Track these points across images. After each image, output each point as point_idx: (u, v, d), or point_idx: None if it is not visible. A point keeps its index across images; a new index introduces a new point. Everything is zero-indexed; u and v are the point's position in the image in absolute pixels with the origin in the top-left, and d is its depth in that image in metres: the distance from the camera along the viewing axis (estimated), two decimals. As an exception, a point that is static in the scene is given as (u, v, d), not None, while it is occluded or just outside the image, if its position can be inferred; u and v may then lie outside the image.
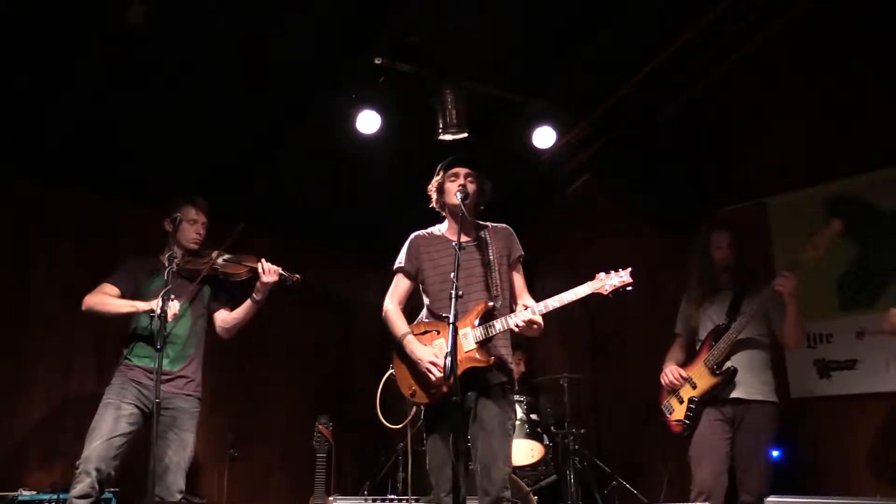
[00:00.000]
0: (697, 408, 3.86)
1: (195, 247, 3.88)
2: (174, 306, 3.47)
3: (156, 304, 3.41)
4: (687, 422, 3.87)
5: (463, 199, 3.27)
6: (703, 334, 4.01)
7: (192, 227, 3.87)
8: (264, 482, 5.76)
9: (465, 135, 4.78)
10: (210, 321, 3.96)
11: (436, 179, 3.47)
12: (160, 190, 4.17)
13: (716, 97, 5.45)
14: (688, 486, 3.89)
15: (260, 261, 3.78)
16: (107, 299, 3.71)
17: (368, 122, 4.76)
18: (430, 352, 3.22)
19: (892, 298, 4.05)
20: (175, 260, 3.67)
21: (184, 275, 3.81)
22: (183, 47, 4.33)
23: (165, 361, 3.65)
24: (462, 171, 3.39)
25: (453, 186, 3.36)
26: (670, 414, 3.98)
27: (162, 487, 3.54)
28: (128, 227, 5.14)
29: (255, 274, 3.78)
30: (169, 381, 3.68)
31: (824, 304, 4.82)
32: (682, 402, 3.93)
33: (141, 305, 3.64)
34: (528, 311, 3.17)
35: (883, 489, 4.45)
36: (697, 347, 4.02)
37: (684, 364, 4.05)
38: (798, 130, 5.06)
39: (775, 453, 4.56)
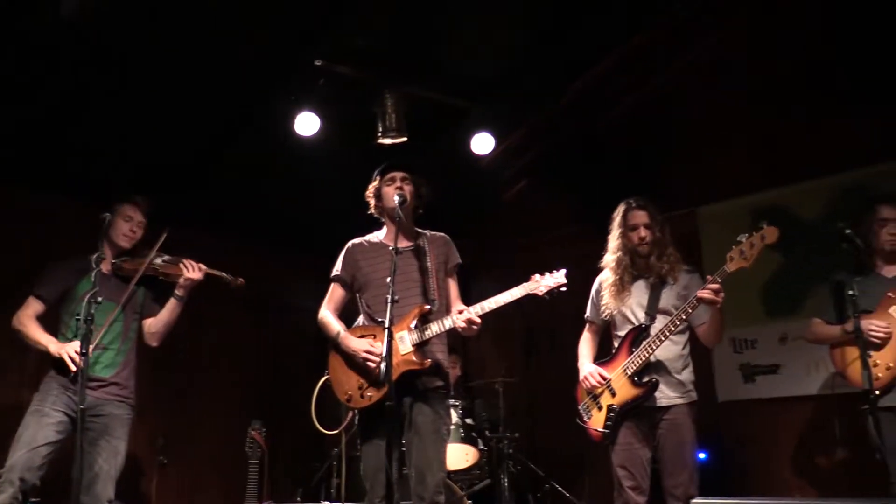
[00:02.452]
0: (617, 417, 3.61)
1: (126, 245, 3.77)
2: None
3: (65, 350, 3.43)
4: (607, 431, 3.63)
5: (401, 203, 3.29)
6: (621, 330, 3.74)
7: (125, 224, 3.76)
8: (195, 489, 5.63)
9: (405, 139, 4.79)
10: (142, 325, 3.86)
11: (373, 185, 3.48)
12: (99, 189, 4.04)
13: (653, 107, 5.58)
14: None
15: (186, 260, 3.75)
16: (28, 326, 3.63)
17: (307, 124, 4.72)
18: (366, 342, 3.24)
19: (815, 306, 4.19)
20: (104, 259, 3.56)
21: (119, 274, 3.71)
22: (121, 44, 4.21)
23: (98, 367, 3.58)
24: (398, 174, 3.41)
25: (391, 190, 3.37)
26: (589, 419, 3.72)
27: (91, 496, 3.43)
28: (66, 226, 4.96)
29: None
30: (101, 387, 3.58)
31: (750, 311, 4.99)
32: (601, 408, 3.67)
33: (53, 349, 3.53)
34: (466, 312, 3.20)
35: (803, 489, 4.63)
36: (616, 344, 3.75)
37: (600, 358, 3.81)
38: (729, 142, 5.22)
39: (702, 455, 4.69)
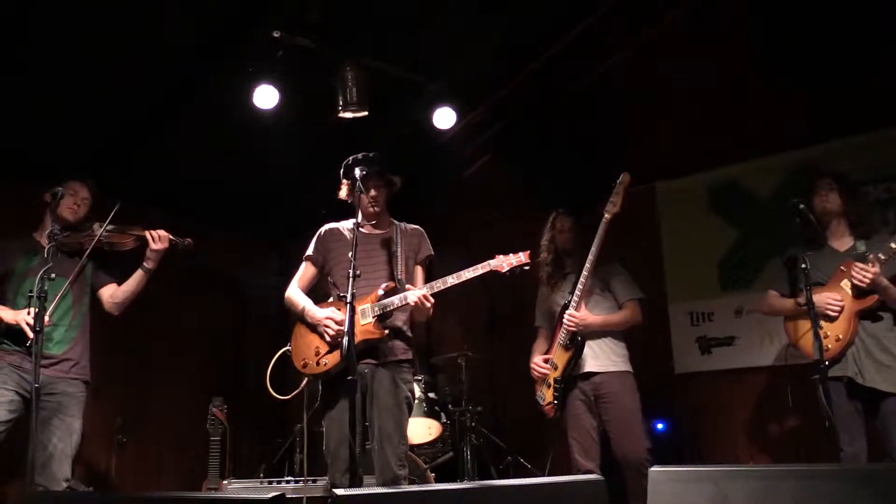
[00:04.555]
0: (562, 387, 4.00)
1: (71, 219, 3.71)
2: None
3: (21, 318, 3.36)
4: (555, 402, 4.01)
5: (375, 210, 3.43)
6: (557, 318, 4.14)
7: (70, 199, 3.70)
8: (156, 467, 5.58)
9: (366, 113, 4.73)
10: (95, 300, 3.79)
11: (346, 183, 3.48)
12: (41, 163, 3.93)
13: (612, 84, 5.59)
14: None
15: (147, 230, 3.70)
16: None
17: (266, 96, 4.63)
18: (329, 310, 3.30)
19: (769, 278, 4.30)
20: (56, 237, 3.47)
21: (64, 250, 3.63)
22: (61, 9, 4.08)
23: (49, 344, 3.52)
24: (373, 184, 3.42)
25: (365, 199, 3.40)
26: (543, 402, 4.11)
27: (46, 476, 3.39)
28: (4, 202, 4.81)
29: (143, 242, 3.71)
30: (53, 364, 3.53)
31: (706, 285, 5.08)
32: (549, 386, 4.07)
33: (9, 316, 3.47)
34: (424, 287, 3.26)
35: (756, 456, 4.77)
36: (553, 330, 4.17)
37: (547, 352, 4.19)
38: (686, 118, 5.27)
39: (660, 426, 4.81)
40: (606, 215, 3.97)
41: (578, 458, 3.93)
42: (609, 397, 3.94)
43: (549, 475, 4.46)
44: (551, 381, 4.05)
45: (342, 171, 3.49)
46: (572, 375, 3.99)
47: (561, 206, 4.33)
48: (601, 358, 3.99)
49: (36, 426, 3.08)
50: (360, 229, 3.28)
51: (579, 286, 3.96)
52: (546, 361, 4.11)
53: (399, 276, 3.37)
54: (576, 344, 3.96)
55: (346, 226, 3.55)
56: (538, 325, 4.35)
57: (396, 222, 3.58)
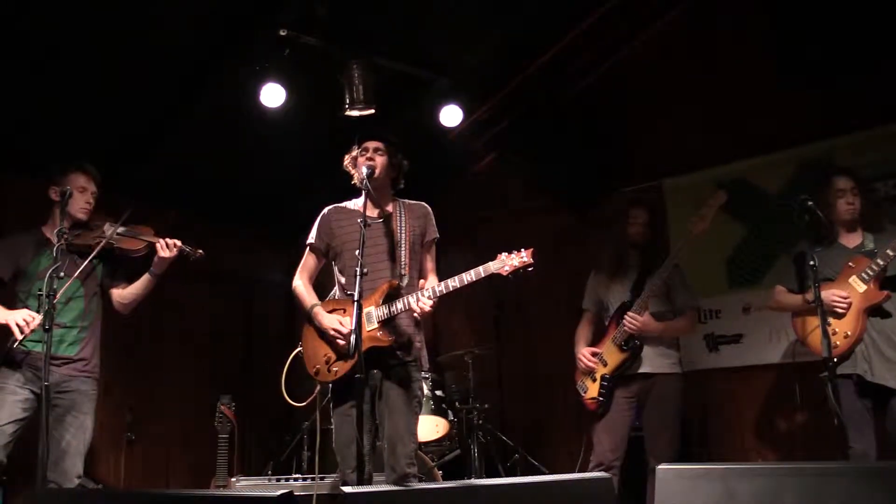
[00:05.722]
0: (610, 385, 4.00)
1: (84, 217, 3.69)
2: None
3: (12, 321, 3.33)
4: (601, 399, 4.01)
5: (369, 175, 3.23)
6: (611, 311, 4.14)
7: (81, 196, 3.67)
8: (164, 464, 5.60)
9: (372, 111, 4.74)
10: (105, 298, 3.80)
11: (350, 154, 3.43)
12: (46, 160, 3.93)
13: (618, 80, 5.59)
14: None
15: (158, 236, 3.66)
16: None
17: (273, 95, 4.64)
18: (335, 318, 3.23)
19: (777, 276, 4.28)
20: (64, 235, 3.44)
21: (73, 250, 3.60)
22: (71, 10, 4.09)
23: (62, 346, 3.53)
24: (372, 144, 3.35)
25: (362, 160, 3.32)
26: (585, 393, 4.10)
27: (59, 473, 3.40)
28: (12, 199, 4.84)
29: (152, 249, 3.66)
30: (66, 364, 3.54)
31: (714, 282, 5.07)
32: (595, 380, 4.06)
33: (9, 318, 3.39)
34: (424, 294, 3.17)
35: (764, 454, 4.76)
36: (606, 324, 4.16)
37: (594, 341, 4.19)
38: (694, 115, 5.26)
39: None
40: (694, 230, 3.97)
41: (609, 454, 3.93)
42: (658, 399, 3.96)
43: (578, 470, 4.44)
44: (598, 377, 4.04)
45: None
46: (625, 375, 3.99)
47: (631, 198, 4.39)
48: (657, 359, 3.99)
49: (48, 424, 3.09)
50: (366, 213, 3.16)
51: (647, 290, 3.96)
52: (594, 355, 4.08)
53: (403, 271, 3.28)
54: (633, 347, 3.96)
55: (348, 205, 3.45)
56: (586, 308, 4.31)
57: (400, 200, 3.47)
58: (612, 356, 4.03)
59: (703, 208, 4.01)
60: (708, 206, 4.00)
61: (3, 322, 3.41)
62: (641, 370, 3.98)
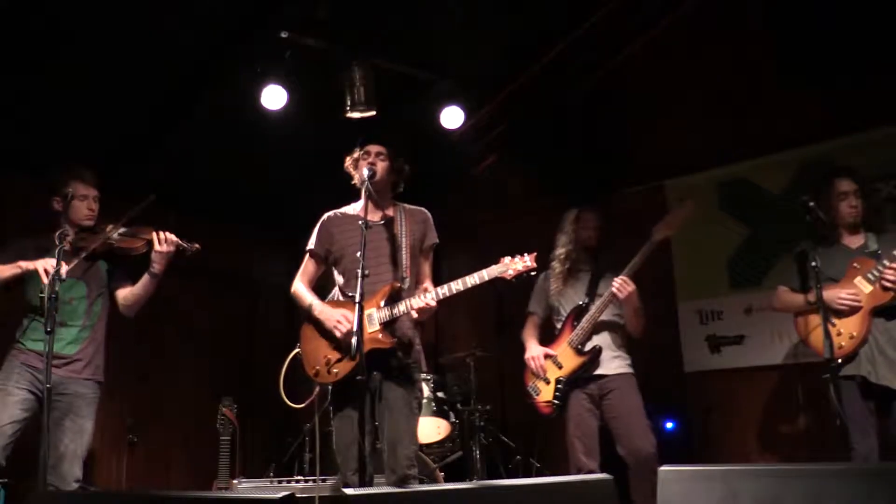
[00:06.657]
0: (565, 388, 3.96)
1: (90, 223, 3.70)
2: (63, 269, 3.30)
3: (41, 266, 3.36)
4: (556, 402, 3.98)
5: (370, 177, 3.24)
6: (564, 313, 4.11)
7: (83, 203, 3.67)
8: (166, 467, 5.61)
9: (373, 113, 4.74)
10: (111, 300, 3.80)
11: (351, 157, 3.44)
12: (46, 160, 3.93)
13: (619, 82, 5.59)
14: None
15: (155, 231, 3.67)
16: None
17: (274, 97, 4.64)
18: (339, 311, 3.22)
19: (778, 276, 4.28)
20: (67, 237, 3.46)
21: (77, 252, 3.60)
22: (72, 11, 4.10)
23: (61, 344, 3.52)
24: (374, 148, 3.36)
25: (363, 164, 3.32)
26: (537, 395, 4.06)
27: (57, 476, 3.40)
28: (12, 199, 4.83)
29: (152, 246, 3.67)
30: (65, 364, 3.53)
31: (716, 284, 5.07)
32: (548, 382, 4.02)
33: (25, 264, 3.46)
34: (428, 294, 3.18)
35: (767, 455, 4.75)
36: (559, 326, 4.12)
37: (545, 344, 4.15)
38: (695, 116, 5.26)
39: (669, 425, 4.79)
40: (658, 236, 3.94)
41: (582, 457, 3.88)
42: (615, 395, 3.91)
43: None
44: (552, 379, 4.01)
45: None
46: (581, 378, 3.97)
47: (584, 203, 4.27)
48: (612, 362, 3.96)
49: (48, 426, 3.09)
50: (362, 218, 3.17)
51: (604, 296, 3.93)
52: (546, 357, 4.05)
53: (404, 274, 3.29)
54: (593, 352, 3.94)
55: (347, 211, 3.46)
56: (532, 312, 4.29)
57: (400, 204, 3.48)
58: (569, 359, 3.98)
59: (670, 216, 4.01)
60: (674, 215, 4.02)
61: (32, 267, 3.44)
62: (597, 372, 3.95)
